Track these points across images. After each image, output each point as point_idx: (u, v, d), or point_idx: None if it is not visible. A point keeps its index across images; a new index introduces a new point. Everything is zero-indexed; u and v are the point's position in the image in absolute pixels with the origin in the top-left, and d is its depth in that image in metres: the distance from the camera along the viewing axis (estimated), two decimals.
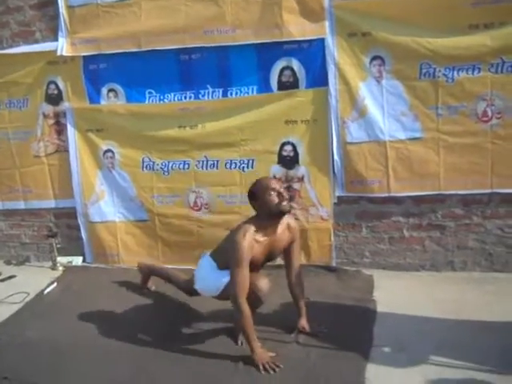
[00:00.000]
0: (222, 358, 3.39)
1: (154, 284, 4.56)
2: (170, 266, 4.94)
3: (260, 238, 3.35)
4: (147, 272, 4.53)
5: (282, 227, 3.46)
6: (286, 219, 3.50)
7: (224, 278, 3.40)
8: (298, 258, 3.71)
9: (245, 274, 3.28)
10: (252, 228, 3.32)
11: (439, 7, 4.10)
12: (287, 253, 3.61)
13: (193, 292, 3.82)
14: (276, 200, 3.29)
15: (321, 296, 4.16)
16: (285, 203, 3.31)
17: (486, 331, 3.46)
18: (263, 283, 3.39)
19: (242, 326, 3.30)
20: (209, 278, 3.58)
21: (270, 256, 3.51)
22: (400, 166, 4.38)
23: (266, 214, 3.35)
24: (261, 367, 3.22)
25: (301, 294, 3.68)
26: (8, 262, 5.57)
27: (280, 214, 3.34)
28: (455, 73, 4.18)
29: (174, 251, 5.00)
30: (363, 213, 4.61)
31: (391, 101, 4.33)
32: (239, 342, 3.53)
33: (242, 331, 3.37)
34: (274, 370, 3.20)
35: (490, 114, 4.18)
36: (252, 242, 3.30)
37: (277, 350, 3.39)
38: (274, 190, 3.31)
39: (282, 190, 3.34)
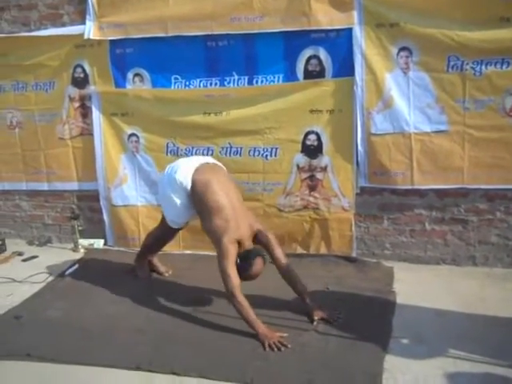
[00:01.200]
0: (239, 342, 3.43)
1: (170, 268, 4.61)
2: (189, 252, 5.04)
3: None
4: (142, 261, 4.62)
5: None
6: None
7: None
8: (283, 258, 3.76)
9: (234, 265, 3.53)
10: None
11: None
12: (269, 251, 3.76)
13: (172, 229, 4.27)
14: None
15: (340, 286, 4.18)
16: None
17: (505, 326, 3.46)
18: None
19: (244, 317, 3.44)
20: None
21: None
22: (424, 158, 4.36)
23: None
24: (266, 345, 3.30)
25: (302, 289, 3.74)
26: (30, 243, 5.64)
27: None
28: (483, 66, 4.14)
29: (195, 237, 4.98)
30: (385, 204, 4.59)
31: (417, 93, 4.30)
32: None
33: (243, 319, 3.46)
34: (279, 349, 3.27)
35: None
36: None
37: (295, 338, 3.41)
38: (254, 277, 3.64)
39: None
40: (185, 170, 3.93)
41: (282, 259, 3.71)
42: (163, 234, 4.36)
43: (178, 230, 4.35)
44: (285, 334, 3.42)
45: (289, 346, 3.31)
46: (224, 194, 3.77)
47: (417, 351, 3.23)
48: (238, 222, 3.68)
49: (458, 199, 4.42)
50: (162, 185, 4.16)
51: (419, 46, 4.22)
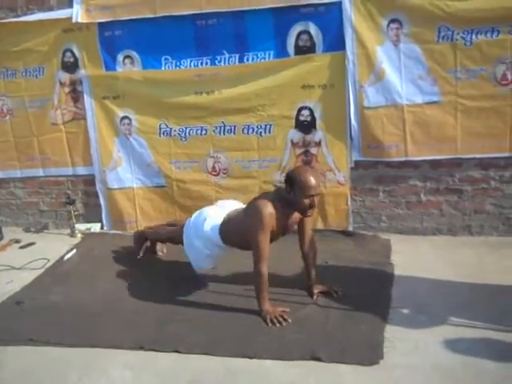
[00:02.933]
0: (241, 318, 3.45)
1: (163, 247, 4.65)
2: None
3: (279, 215, 3.44)
4: (141, 239, 4.60)
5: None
6: None
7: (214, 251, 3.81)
8: (311, 227, 3.78)
9: (267, 240, 3.40)
10: (273, 203, 3.42)
11: None
12: (300, 222, 3.67)
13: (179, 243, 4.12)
14: (307, 206, 3.37)
15: (338, 260, 4.21)
16: (311, 211, 3.43)
17: (502, 293, 3.50)
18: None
19: (259, 287, 3.42)
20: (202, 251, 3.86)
21: (284, 232, 3.62)
22: (417, 130, 4.37)
23: (289, 204, 3.43)
24: (268, 321, 3.33)
25: (313, 262, 3.74)
26: (27, 230, 5.62)
27: (300, 213, 3.47)
28: (474, 36, 4.15)
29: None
30: (380, 177, 4.61)
31: (409, 64, 4.30)
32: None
33: (256, 291, 3.45)
34: (280, 324, 3.31)
35: (509, 77, 4.16)
36: (273, 215, 3.40)
37: (296, 312, 3.44)
38: (312, 196, 3.34)
39: (317, 196, 3.40)
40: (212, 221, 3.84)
41: (310, 227, 3.72)
42: (176, 239, 4.25)
43: None
44: (287, 309, 3.44)
45: (289, 320, 3.34)
46: None
47: (417, 320, 3.26)
48: None
49: (453, 169, 4.44)
50: (188, 237, 3.97)
51: (409, 17, 4.21)
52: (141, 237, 4.60)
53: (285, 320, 3.34)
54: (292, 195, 3.37)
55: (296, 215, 3.54)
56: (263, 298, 3.43)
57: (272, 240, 3.50)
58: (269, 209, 3.38)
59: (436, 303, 3.44)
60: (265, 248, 3.40)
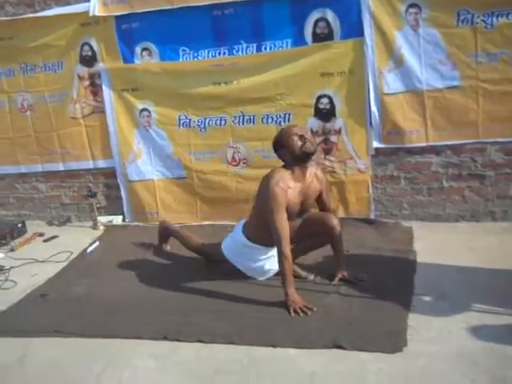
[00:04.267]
0: (263, 308, 3.45)
1: (169, 245, 4.63)
2: (207, 223, 5.06)
3: (291, 183, 3.43)
4: (166, 232, 4.58)
5: (310, 175, 3.56)
6: (313, 169, 3.62)
7: (254, 264, 3.72)
8: (331, 207, 3.80)
9: (284, 218, 3.38)
10: (282, 174, 3.42)
11: None
12: (319, 203, 3.70)
13: (211, 258, 4.03)
14: (299, 143, 3.41)
15: (360, 249, 4.20)
16: (308, 145, 3.41)
17: None
18: (331, 218, 3.61)
19: (283, 271, 3.39)
20: (239, 254, 3.79)
21: (303, 205, 3.56)
22: (438, 115, 4.33)
23: (293, 159, 3.45)
24: (291, 310, 3.32)
25: (339, 244, 3.70)
26: (50, 223, 5.70)
27: (305, 156, 3.44)
28: (494, 18, 4.09)
29: (213, 207, 5.07)
30: (401, 164, 4.58)
31: (428, 49, 4.26)
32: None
33: (281, 275, 3.43)
34: (305, 313, 3.29)
35: None
36: (286, 186, 3.39)
37: (319, 301, 3.43)
38: (296, 134, 3.45)
39: (303, 133, 3.45)
40: None
41: (332, 206, 3.77)
42: (212, 257, 4.10)
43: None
44: (311, 307, 3.37)
45: (314, 309, 3.32)
46: None
47: (440, 307, 3.23)
48: None
49: (475, 154, 4.39)
50: (230, 256, 3.88)
51: (428, 1, 4.17)
52: (167, 230, 4.58)
53: (309, 309, 3.32)
54: (285, 150, 3.47)
55: (312, 183, 3.56)
56: (289, 283, 3.39)
57: (290, 216, 3.46)
58: (275, 179, 3.38)
59: (459, 290, 3.40)
60: (283, 226, 3.36)
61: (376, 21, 4.29)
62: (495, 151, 4.34)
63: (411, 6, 4.22)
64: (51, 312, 3.70)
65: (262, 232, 3.56)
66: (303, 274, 3.77)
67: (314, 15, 4.43)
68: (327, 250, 3.87)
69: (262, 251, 3.70)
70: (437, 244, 4.16)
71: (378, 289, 3.50)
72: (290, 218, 3.45)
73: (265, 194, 3.41)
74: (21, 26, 5.17)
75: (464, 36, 4.17)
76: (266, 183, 3.43)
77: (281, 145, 3.50)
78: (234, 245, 3.81)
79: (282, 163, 3.54)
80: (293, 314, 3.30)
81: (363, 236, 4.43)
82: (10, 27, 5.21)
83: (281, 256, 3.38)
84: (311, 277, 3.75)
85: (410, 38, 4.27)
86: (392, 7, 4.26)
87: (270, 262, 3.71)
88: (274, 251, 3.57)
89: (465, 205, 4.52)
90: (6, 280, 4.27)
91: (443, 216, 4.58)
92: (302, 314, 3.29)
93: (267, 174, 3.50)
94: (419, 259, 3.92)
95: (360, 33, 4.35)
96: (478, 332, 2.92)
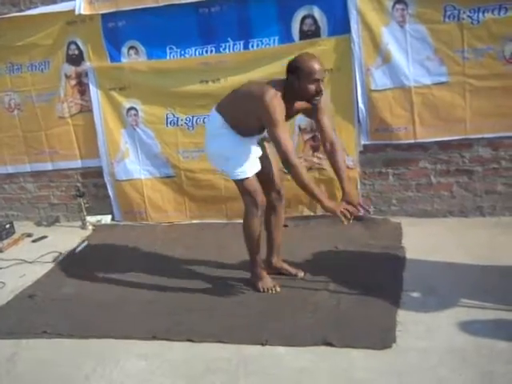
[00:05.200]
0: (252, 306, 3.46)
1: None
2: (196, 221, 5.05)
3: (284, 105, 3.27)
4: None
5: (295, 107, 3.42)
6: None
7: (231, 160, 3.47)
8: (330, 124, 3.58)
9: (286, 130, 3.27)
10: (277, 92, 3.22)
11: None
12: (317, 120, 3.50)
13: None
14: (314, 91, 3.22)
15: (349, 245, 4.21)
16: (318, 98, 3.27)
17: None
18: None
19: (302, 182, 3.21)
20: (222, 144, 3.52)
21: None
22: (426, 111, 4.33)
23: (295, 93, 3.27)
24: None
25: (341, 164, 3.50)
26: (38, 223, 5.67)
27: (307, 101, 3.32)
28: (480, 14, 4.09)
29: (201, 206, 5.05)
30: (389, 160, 4.58)
31: (415, 45, 4.25)
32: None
33: (306, 189, 3.25)
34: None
35: None
36: (282, 104, 3.23)
37: (308, 298, 3.44)
38: (317, 80, 3.20)
39: (322, 78, 3.25)
40: None
41: (329, 123, 3.52)
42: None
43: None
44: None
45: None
46: None
47: (429, 303, 3.25)
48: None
49: (462, 150, 4.40)
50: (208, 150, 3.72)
51: None
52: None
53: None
54: (297, 83, 3.21)
55: (299, 104, 3.40)
56: (318, 194, 3.26)
57: None
58: (272, 93, 3.19)
59: (448, 285, 3.41)
60: (286, 138, 3.19)
61: (363, 17, 4.28)
62: (483, 146, 4.34)
63: (398, 2, 4.21)
64: (40, 313, 3.70)
65: (244, 126, 3.44)
66: (293, 271, 3.76)
67: (301, 12, 4.41)
68: (316, 246, 3.89)
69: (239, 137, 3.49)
70: (426, 240, 4.16)
71: (367, 285, 3.50)
72: None
73: (263, 108, 3.19)
74: (6, 25, 5.14)
75: (451, 32, 4.16)
76: (264, 98, 3.17)
77: (296, 74, 3.21)
78: (212, 136, 3.58)
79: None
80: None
81: (352, 232, 4.39)
82: None
83: (293, 168, 3.18)
84: (301, 274, 3.74)
85: (396, 34, 4.26)
86: (379, 3, 4.25)
87: (255, 148, 3.56)
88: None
89: (453, 200, 4.53)
90: None
91: (432, 211, 4.59)
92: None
93: (260, 87, 3.28)
94: (408, 255, 3.93)
95: (347, 29, 4.33)
96: (466, 327, 2.94)
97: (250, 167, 3.47)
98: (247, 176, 3.44)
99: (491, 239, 4.02)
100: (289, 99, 3.27)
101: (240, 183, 3.48)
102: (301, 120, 4.57)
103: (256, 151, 3.54)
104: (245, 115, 3.36)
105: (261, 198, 3.49)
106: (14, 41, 5.19)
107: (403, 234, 4.33)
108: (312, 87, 3.20)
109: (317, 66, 3.19)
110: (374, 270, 3.75)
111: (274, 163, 3.64)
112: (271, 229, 3.74)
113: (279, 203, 3.70)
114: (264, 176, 3.57)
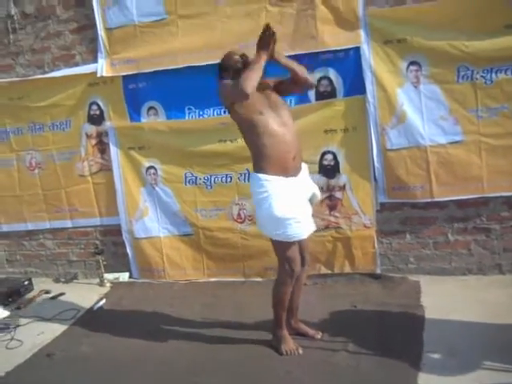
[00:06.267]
0: (271, 367, 3.44)
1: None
2: (214, 279, 5.05)
3: None
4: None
5: None
6: None
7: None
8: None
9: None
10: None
11: (473, 9, 4.08)
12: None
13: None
14: (239, 59, 3.54)
15: (367, 304, 4.18)
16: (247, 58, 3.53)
17: None
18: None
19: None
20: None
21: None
22: (442, 170, 4.36)
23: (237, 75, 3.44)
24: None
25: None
26: (57, 280, 5.68)
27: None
28: (493, 74, 4.15)
29: (219, 264, 5.06)
30: (406, 219, 4.59)
31: (430, 105, 4.31)
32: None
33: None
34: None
35: None
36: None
37: (327, 359, 3.41)
38: (234, 54, 3.58)
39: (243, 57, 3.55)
40: None
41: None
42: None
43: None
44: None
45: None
46: None
47: (450, 365, 3.20)
48: None
49: (479, 208, 4.40)
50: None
51: (428, 59, 4.24)
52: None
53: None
54: (230, 72, 3.52)
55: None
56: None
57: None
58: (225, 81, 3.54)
59: (469, 346, 3.37)
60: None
61: (377, 78, 4.36)
62: (500, 204, 4.35)
63: (412, 63, 4.29)
64: (58, 372, 3.71)
65: (261, 154, 3.42)
66: (311, 332, 3.74)
67: (317, 74, 4.49)
68: (334, 305, 3.86)
69: (282, 182, 3.40)
70: (445, 298, 4.12)
71: (387, 346, 3.47)
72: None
73: (226, 99, 3.55)
74: (30, 86, 5.30)
75: (464, 92, 4.23)
76: (222, 93, 3.56)
77: (224, 68, 3.57)
78: (257, 198, 3.47)
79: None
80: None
81: (370, 291, 4.40)
82: (20, 88, 5.34)
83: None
84: (319, 335, 3.72)
85: (411, 94, 4.34)
86: (393, 65, 4.33)
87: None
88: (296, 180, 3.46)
89: (471, 258, 4.50)
90: (12, 339, 4.25)
91: (450, 269, 4.56)
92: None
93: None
94: (427, 314, 3.89)
95: (362, 90, 4.41)
96: None
97: (301, 227, 3.44)
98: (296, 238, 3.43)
99: (510, 297, 3.97)
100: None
101: (280, 248, 3.46)
102: (317, 179, 4.59)
103: (303, 198, 3.52)
104: (250, 134, 3.48)
105: (298, 268, 3.47)
106: (36, 101, 5.33)
107: (422, 292, 4.30)
108: (237, 59, 3.54)
109: (235, 57, 3.56)
110: (393, 329, 3.72)
111: None
112: (293, 292, 3.65)
113: (303, 268, 3.66)
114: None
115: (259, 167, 3.41)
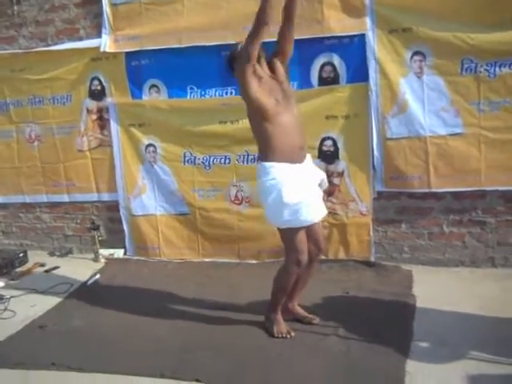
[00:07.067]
0: (263, 347, 3.46)
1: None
2: (208, 260, 5.07)
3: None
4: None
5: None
6: None
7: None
8: None
9: None
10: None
11: (480, 2, 4.08)
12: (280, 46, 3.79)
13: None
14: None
15: (360, 291, 4.20)
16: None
17: None
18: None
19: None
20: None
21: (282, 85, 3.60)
22: (440, 161, 4.36)
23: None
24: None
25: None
26: (52, 254, 5.71)
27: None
28: (497, 68, 4.15)
29: (214, 245, 5.07)
30: (403, 208, 4.60)
31: (432, 96, 4.31)
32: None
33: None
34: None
35: None
36: None
37: (318, 344, 3.44)
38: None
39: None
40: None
41: None
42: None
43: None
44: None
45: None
46: None
47: (439, 354, 3.23)
48: None
49: (476, 201, 4.42)
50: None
51: (433, 49, 4.24)
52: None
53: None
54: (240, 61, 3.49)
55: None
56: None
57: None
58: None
59: (458, 337, 3.39)
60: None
61: (381, 66, 4.36)
62: (496, 198, 4.36)
63: (416, 53, 4.29)
64: (49, 344, 3.72)
65: (270, 143, 3.38)
66: (309, 316, 3.74)
67: (321, 59, 4.51)
68: (327, 291, 3.88)
69: (289, 169, 3.37)
70: (436, 289, 4.15)
71: (377, 333, 3.49)
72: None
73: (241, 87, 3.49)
74: (32, 58, 5.30)
75: (467, 84, 4.23)
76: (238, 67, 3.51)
77: (233, 58, 3.58)
78: (264, 188, 3.44)
79: None
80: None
81: (363, 278, 4.43)
82: (22, 60, 5.34)
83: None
84: (316, 320, 3.71)
85: (414, 84, 4.33)
86: (397, 54, 4.33)
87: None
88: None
89: (465, 250, 4.53)
90: (6, 310, 4.28)
91: (443, 261, 4.58)
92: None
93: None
94: (418, 304, 3.91)
95: (365, 77, 4.41)
96: (477, 381, 2.92)
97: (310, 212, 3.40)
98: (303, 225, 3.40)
99: (503, 291, 4.00)
100: None
101: (289, 237, 3.43)
102: (316, 164, 4.61)
103: (312, 183, 3.51)
104: (260, 120, 3.41)
105: (305, 258, 3.44)
106: (37, 74, 5.33)
107: (414, 282, 4.32)
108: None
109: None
110: (384, 317, 3.74)
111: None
112: (302, 277, 3.63)
113: (316, 258, 3.66)
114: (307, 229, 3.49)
115: (266, 157, 3.39)
